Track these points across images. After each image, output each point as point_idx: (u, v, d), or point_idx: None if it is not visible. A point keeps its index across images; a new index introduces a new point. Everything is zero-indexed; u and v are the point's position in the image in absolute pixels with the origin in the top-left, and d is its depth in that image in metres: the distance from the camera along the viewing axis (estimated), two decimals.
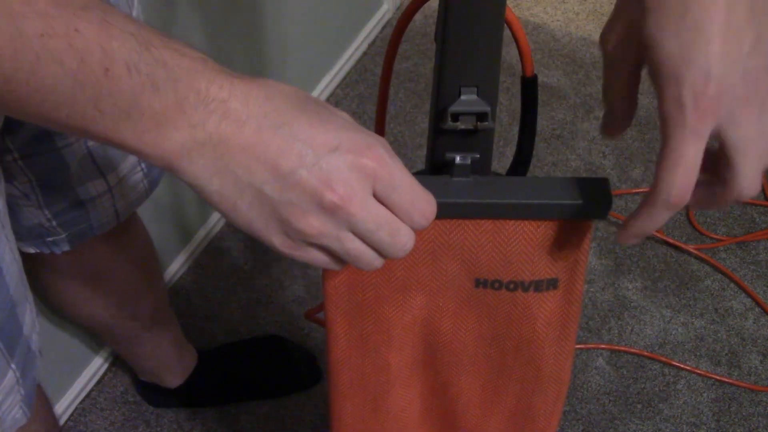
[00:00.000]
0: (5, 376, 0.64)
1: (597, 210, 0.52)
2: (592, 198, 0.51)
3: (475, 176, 0.52)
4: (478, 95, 0.53)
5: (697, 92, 0.42)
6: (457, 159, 0.50)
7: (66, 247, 0.87)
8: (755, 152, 0.44)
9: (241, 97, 0.41)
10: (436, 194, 0.47)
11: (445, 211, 0.50)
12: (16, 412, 0.67)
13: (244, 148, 0.41)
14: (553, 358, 0.62)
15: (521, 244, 0.55)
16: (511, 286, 0.57)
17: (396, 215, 0.45)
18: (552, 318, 0.59)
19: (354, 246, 0.44)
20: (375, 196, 0.44)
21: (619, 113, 0.50)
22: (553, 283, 0.57)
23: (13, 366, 0.64)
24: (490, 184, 0.52)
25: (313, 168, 0.41)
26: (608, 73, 0.49)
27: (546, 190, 0.52)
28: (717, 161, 0.45)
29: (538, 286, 0.57)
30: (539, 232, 0.54)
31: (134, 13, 0.73)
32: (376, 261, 0.46)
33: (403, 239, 0.45)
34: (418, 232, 0.48)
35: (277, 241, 0.44)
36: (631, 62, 0.47)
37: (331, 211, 0.42)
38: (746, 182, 0.45)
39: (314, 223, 0.42)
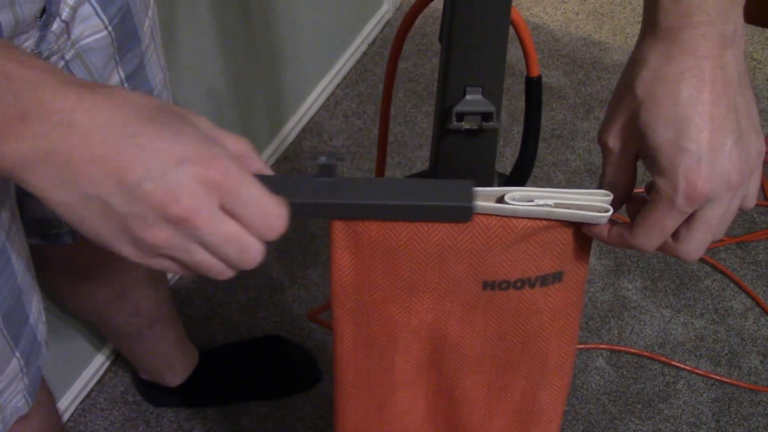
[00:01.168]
0: (9, 363, 0.64)
1: (456, 213, 0.51)
2: (452, 200, 0.51)
3: (339, 177, 0.50)
4: (483, 95, 0.53)
5: (689, 178, 0.47)
6: (322, 159, 0.49)
7: (69, 240, 0.87)
8: (716, 229, 0.50)
9: (88, 107, 0.41)
10: (291, 194, 0.47)
11: (299, 211, 0.49)
12: (18, 400, 0.67)
13: (89, 160, 0.40)
14: (557, 348, 0.62)
15: (529, 243, 0.55)
16: (518, 284, 0.57)
17: (245, 228, 0.44)
18: (557, 310, 0.59)
19: (202, 258, 0.44)
20: (223, 209, 0.43)
21: (623, 196, 0.54)
22: (558, 276, 0.57)
23: (17, 354, 0.65)
24: (349, 185, 0.51)
25: (158, 180, 0.41)
26: (611, 167, 0.53)
27: (407, 191, 0.51)
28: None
29: (544, 280, 0.57)
30: (547, 231, 0.54)
31: (150, 13, 0.73)
32: (227, 272, 0.46)
33: (251, 254, 0.45)
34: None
35: (127, 251, 0.44)
36: (632, 153, 0.51)
37: (175, 223, 0.42)
38: (697, 248, 0.50)
39: (161, 235, 0.42)
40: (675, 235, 0.51)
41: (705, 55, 0.47)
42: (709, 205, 0.48)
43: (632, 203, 0.53)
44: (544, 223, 0.54)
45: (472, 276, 0.57)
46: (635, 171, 0.53)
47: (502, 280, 0.57)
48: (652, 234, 0.50)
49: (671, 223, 0.49)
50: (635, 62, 0.50)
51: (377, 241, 0.54)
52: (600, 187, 0.54)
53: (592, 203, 0.52)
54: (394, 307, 0.58)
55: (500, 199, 0.52)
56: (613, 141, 0.52)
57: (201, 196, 0.42)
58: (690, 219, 0.49)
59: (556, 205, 0.52)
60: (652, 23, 0.49)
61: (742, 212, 0.52)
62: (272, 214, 0.45)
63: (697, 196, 0.47)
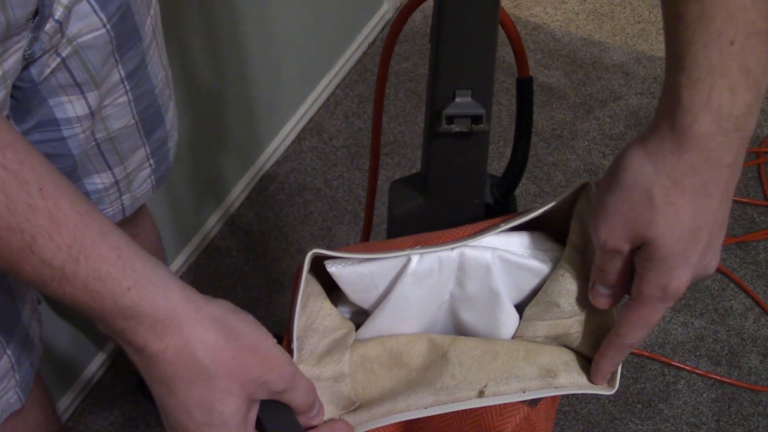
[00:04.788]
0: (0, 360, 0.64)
1: None
2: None
3: None
4: (472, 98, 0.53)
5: (681, 283, 0.48)
6: None
7: None
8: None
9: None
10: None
11: None
12: (10, 396, 0.68)
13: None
14: None
15: None
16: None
17: None
18: None
19: None
20: None
21: (619, 289, 0.53)
22: (535, 400, 0.57)
23: (8, 352, 0.65)
24: None
25: None
26: (616, 270, 0.51)
27: None
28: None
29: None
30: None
31: (152, 11, 0.73)
32: None
33: None
34: None
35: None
36: (630, 252, 0.50)
37: None
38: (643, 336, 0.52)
39: None
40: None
41: (728, 163, 0.45)
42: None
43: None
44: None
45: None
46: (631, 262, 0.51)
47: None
48: (645, 330, 0.51)
49: (660, 317, 0.50)
50: (650, 161, 0.46)
51: None
52: (599, 289, 0.53)
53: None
54: None
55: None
56: (621, 243, 0.49)
57: None
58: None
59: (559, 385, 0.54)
60: (672, 124, 0.45)
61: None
62: None
63: (681, 293, 0.49)
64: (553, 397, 0.58)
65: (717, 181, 0.46)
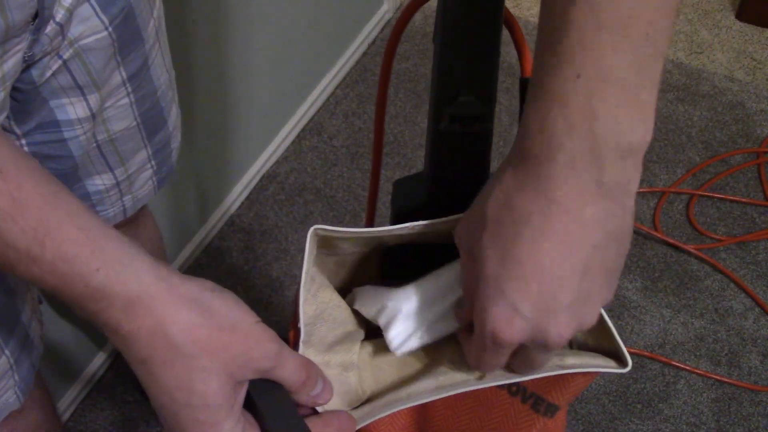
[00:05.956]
0: None
1: None
2: None
3: None
4: (476, 97, 0.52)
5: (498, 325, 0.43)
6: None
7: None
8: (528, 365, 0.49)
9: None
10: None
11: None
12: (9, 396, 0.68)
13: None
14: None
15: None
16: (513, 389, 0.54)
17: None
18: None
19: None
20: None
21: None
22: (552, 410, 0.55)
23: (7, 352, 0.65)
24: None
25: None
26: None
27: None
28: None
29: (537, 404, 0.54)
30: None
31: (155, 13, 0.73)
32: None
33: None
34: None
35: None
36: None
37: None
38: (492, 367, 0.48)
39: None
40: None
41: (559, 201, 0.40)
42: (533, 350, 0.45)
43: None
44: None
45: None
46: None
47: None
48: (477, 364, 0.48)
49: (490, 358, 0.46)
50: (496, 175, 0.44)
51: None
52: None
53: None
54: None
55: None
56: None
57: None
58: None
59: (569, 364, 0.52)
60: (519, 143, 0.42)
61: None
62: None
63: (504, 344, 0.43)
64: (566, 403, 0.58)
65: (544, 218, 0.40)
